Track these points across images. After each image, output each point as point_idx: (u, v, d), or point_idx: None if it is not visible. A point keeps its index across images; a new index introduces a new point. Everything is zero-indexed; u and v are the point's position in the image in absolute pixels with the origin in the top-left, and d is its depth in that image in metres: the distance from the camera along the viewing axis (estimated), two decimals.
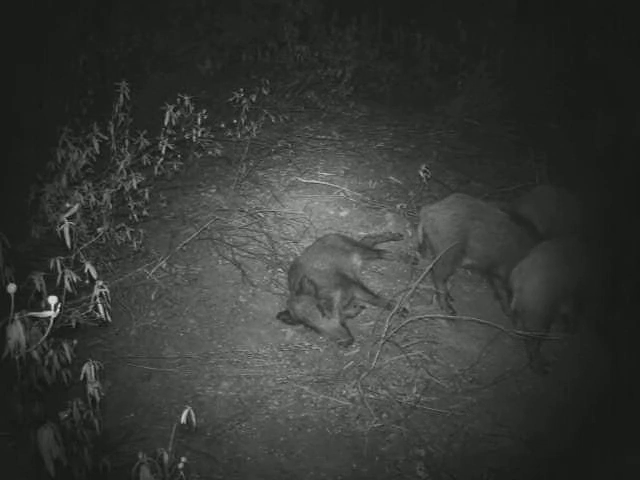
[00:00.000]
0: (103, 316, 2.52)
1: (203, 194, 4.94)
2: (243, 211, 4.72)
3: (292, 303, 3.80)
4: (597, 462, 3.03)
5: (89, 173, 3.93)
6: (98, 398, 2.33)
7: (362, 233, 4.58)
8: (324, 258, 4.03)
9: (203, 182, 5.07)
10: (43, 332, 2.21)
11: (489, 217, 3.93)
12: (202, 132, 4.50)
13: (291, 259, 4.28)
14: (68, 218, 2.75)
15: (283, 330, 3.82)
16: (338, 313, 3.77)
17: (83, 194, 3.73)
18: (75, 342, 2.43)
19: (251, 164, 5.22)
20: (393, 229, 4.63)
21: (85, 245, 3.39)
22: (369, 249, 4.33)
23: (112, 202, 3.92)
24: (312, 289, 3.75)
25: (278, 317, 3.84)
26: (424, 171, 4.55)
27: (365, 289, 4.00)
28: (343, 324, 3.75)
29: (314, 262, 3.99)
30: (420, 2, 6.75)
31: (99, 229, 3.66)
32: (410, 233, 4.57)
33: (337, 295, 3.83)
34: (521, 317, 3.63)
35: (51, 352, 2.33)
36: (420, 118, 6.14)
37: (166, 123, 4.15)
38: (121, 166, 3.97)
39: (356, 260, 4.19)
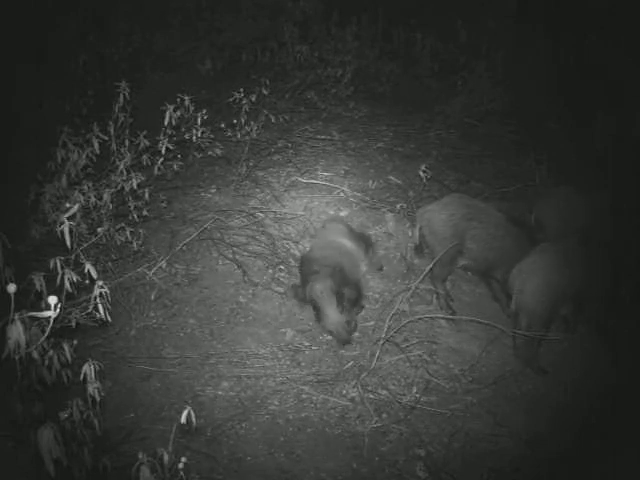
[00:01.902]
0: (103, 316, 2.52)
1: (203, 194, 4.93)
2: (243, 211, 4.72)
3: (314, 282, 3.78)
4: (597, 462, 3.03)
5: (89, 173, 3.93)
6: (98, 398, 2.33)
7: None
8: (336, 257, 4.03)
9: (203, 182, 5.07)
10: (43, 332, 2.20)
11: (486, 218, 3.93)
12: (202, 132, 4.50)
13: (291, 259, 4.28)
14: (68, 218, 2.74)
15: (283, 330, 3.82)
16: (348, 311, 3.78)
17: (83, 194, 3.73)
18: (75, 342, 2.43)
19: (251, 164, 5.22)
20: (393, 229, 4.63)
21: (85, 245, 3.39)
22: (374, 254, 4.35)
23: (112, 202, 3.92)
24: (341, 279, 3.78)
25: (290, 288, 3.93)
26: (424, 171, 4.55)
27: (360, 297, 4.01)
28: (349, 322, 3.76)
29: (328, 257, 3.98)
30: (420, 2, 6.75)
31: (99, 229, 3.66)
32: (410, 233, 4.57)
33: (350, 294, 3.84)
34: (521, 318, 3.63)
35: (51, 352, 2.33)
36: (420, 118, 6.14)
37: (166, 123, 4.15)
38: (121, 166, 3.97)
39: (363, 267, 4.22)
